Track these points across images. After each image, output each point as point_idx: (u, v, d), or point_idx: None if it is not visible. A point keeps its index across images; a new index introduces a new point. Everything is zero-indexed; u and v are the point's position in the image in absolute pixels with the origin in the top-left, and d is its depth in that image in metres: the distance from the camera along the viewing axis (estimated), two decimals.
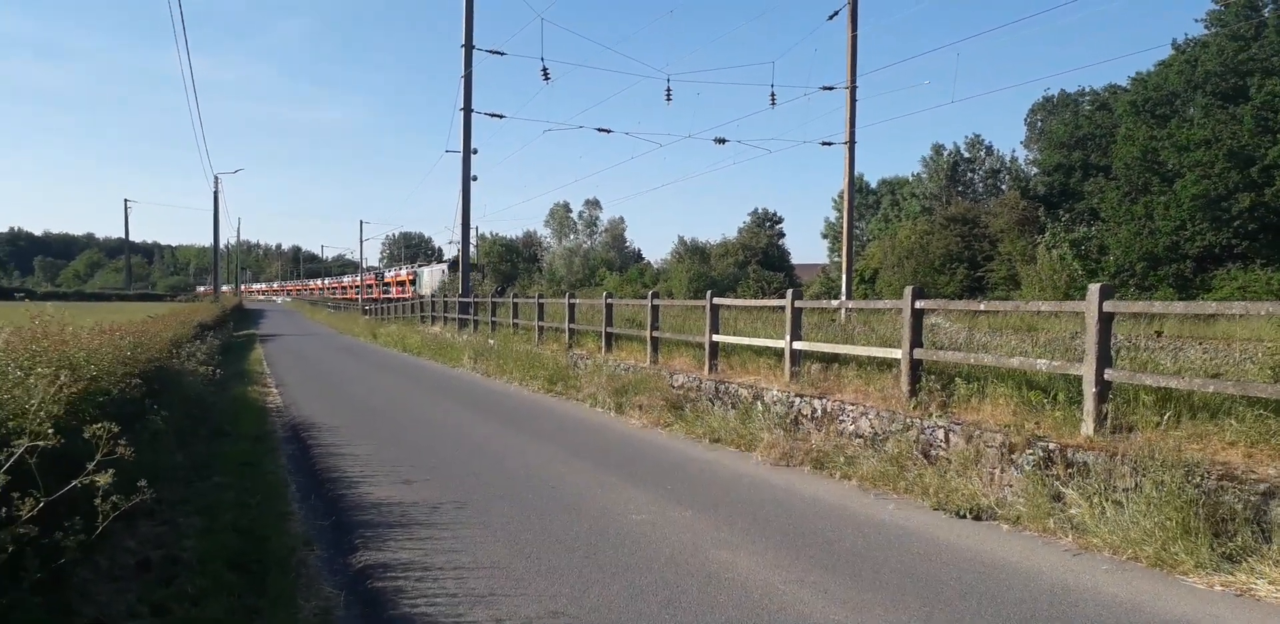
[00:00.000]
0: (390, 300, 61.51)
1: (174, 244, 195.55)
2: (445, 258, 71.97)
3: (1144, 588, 5.03)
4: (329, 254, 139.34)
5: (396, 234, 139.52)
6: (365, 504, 7.08)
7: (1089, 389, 6.74)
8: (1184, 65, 38.89)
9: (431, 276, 66.17)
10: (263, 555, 5.57)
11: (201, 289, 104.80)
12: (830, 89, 26.88)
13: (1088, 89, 57.02)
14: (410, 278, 74.12)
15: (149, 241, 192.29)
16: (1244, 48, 36.23)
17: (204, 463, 8.32)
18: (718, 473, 8.47)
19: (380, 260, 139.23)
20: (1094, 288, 6.77)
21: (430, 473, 8.35)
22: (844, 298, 26.12)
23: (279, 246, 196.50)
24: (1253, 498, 5.21)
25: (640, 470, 8.56)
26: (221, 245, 73.95)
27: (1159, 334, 12.54)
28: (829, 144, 28.38)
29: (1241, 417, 6.11)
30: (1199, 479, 5.42)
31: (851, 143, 25.88)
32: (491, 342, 21.88)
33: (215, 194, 62.87)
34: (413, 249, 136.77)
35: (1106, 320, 6.75)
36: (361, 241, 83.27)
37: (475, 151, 28.64)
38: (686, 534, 6.22)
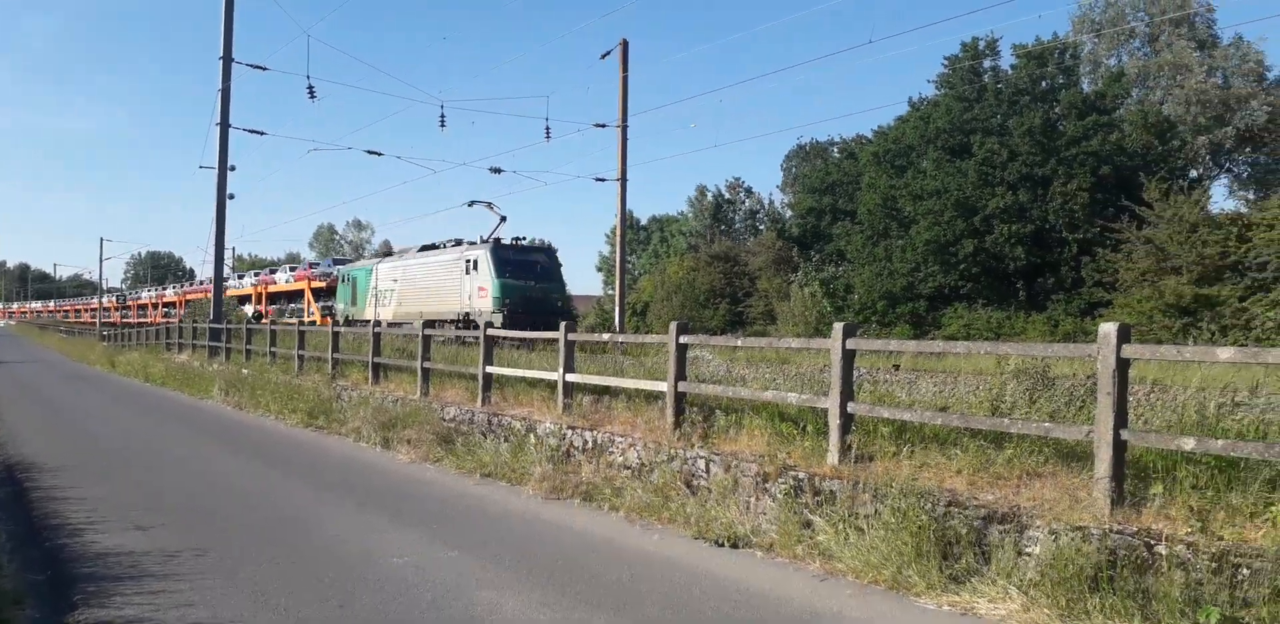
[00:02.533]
0: (133, 325, 53.95)
1: None
2: (201, 275, 59.02)
3: (882, 610, 5.40)
4: (64, 273, 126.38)
5: (143, 253, 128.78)
6: (90, 554, 6.40)
7: (834, 421, 7.21)
8: (918, 121, 42.92)
9: (414, 272, 29.79)
10: None
11: None
12: (603, 126, 27.66)
13: (837, 138, 61.66)
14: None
15: None
16: (968, 108, 40.50)
17: None
18: (487, 509, 8.33)
19: (123, 281, 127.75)
20: (838, 327, 7.27)
21: (168, 517, 7.68)
22: (617, 330, 26.66)
23: (3, 264, 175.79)
24: (975, 522, 5.74)
25: (405, 509, 8.28)
26: None
27: (896, 368, 13.67)
28: (602, 180, 29.18)
29: (965, 447, 6.73)
30: (930, 505, 5.90)
31: (623, 180, 26.66)
32: (246, 371, 20.57)
33: None
34: (161, 269, 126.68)
35: (849, 357, 7.26)
36: (101, 260, 76.00)
37: (233, 168, 27.09)
38: (451, 575, 6.05)
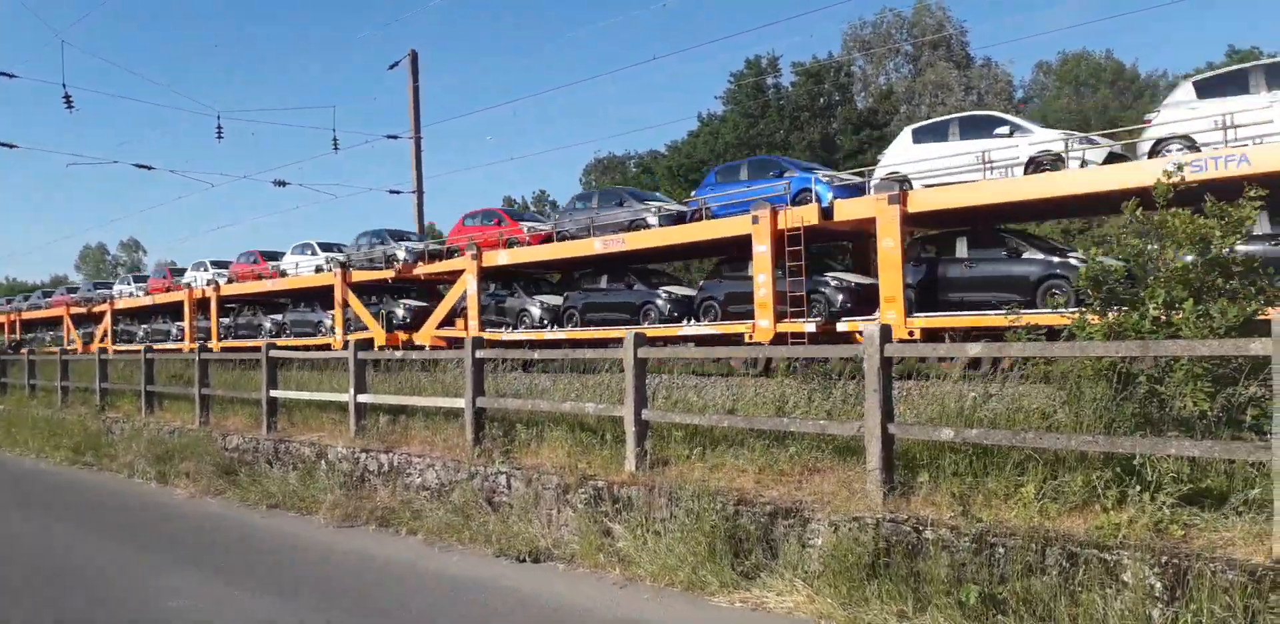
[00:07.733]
0: None
1: None
2: None
3: (679, 611, 5.50)
4: None
5: None
6: None
7: (630, 429, 7.31)
8: (708, 136, 44.53)
9: None
10: None
11: None
12: (395, 138, 27.05)
13: (633, 153, 62.85)
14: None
15: None
16: (753, 124, 42.42)
17: None
18: (273, 541, 7.89)
19: None
20: (630, 336, 7.40)
21: None
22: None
23: None
24: (762, 519, 5.96)
25: (182, 546, 7.72)
26: None
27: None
28: (397, 192, 28.36)
29: (752, 447, 6.99)
30: (720, 505, 6.08)
31: (420, 191, 26.10)
32: (0, 406, 18.66)
33: None
34: None
35: (641, 365, 7.39)
36: None
37: None
38: (233, 615, 5.68)
